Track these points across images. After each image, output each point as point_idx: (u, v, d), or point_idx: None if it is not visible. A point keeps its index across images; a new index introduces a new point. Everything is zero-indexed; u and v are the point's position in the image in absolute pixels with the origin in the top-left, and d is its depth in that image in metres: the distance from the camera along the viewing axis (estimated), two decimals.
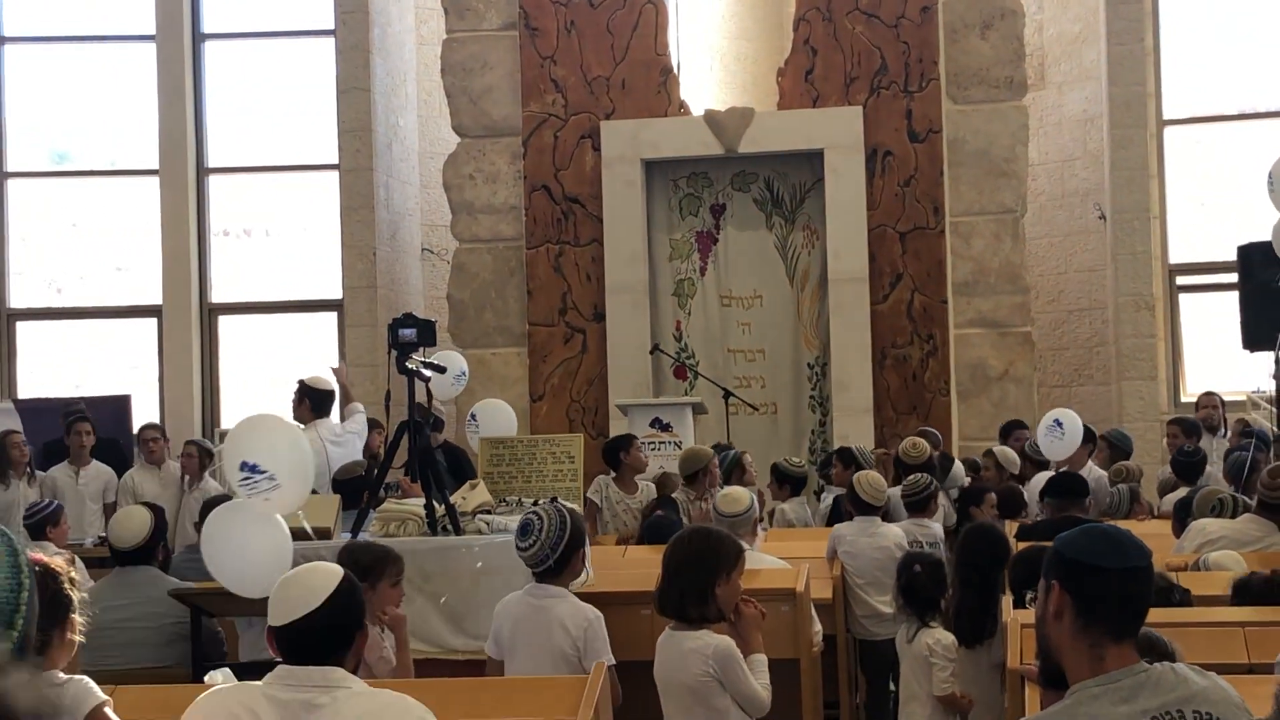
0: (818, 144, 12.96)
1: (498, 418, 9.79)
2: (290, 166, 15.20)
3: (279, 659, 3.92)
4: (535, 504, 5.88)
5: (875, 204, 12.90)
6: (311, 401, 9.65)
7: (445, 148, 13.99)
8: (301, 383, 9.79)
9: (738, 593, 5.26)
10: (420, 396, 6.98)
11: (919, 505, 8.38)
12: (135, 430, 12.15)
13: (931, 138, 12.94)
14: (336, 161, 14.31)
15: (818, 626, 6.92)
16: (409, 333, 6.81)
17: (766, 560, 7.08)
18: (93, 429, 11.32)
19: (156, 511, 6.93)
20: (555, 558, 5.59)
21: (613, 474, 9.51)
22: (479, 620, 6.32)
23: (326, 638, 3.86)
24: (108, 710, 3.84)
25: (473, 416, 9.87)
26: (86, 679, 3.92)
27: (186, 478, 11.11)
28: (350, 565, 4.43)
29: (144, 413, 13.39)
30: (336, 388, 9.95)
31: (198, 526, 8.42)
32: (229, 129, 15.15)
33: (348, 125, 14.16)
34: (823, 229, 13.04)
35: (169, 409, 14.16)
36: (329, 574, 3.98)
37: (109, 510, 10.97)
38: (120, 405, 13.38)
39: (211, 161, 14.84)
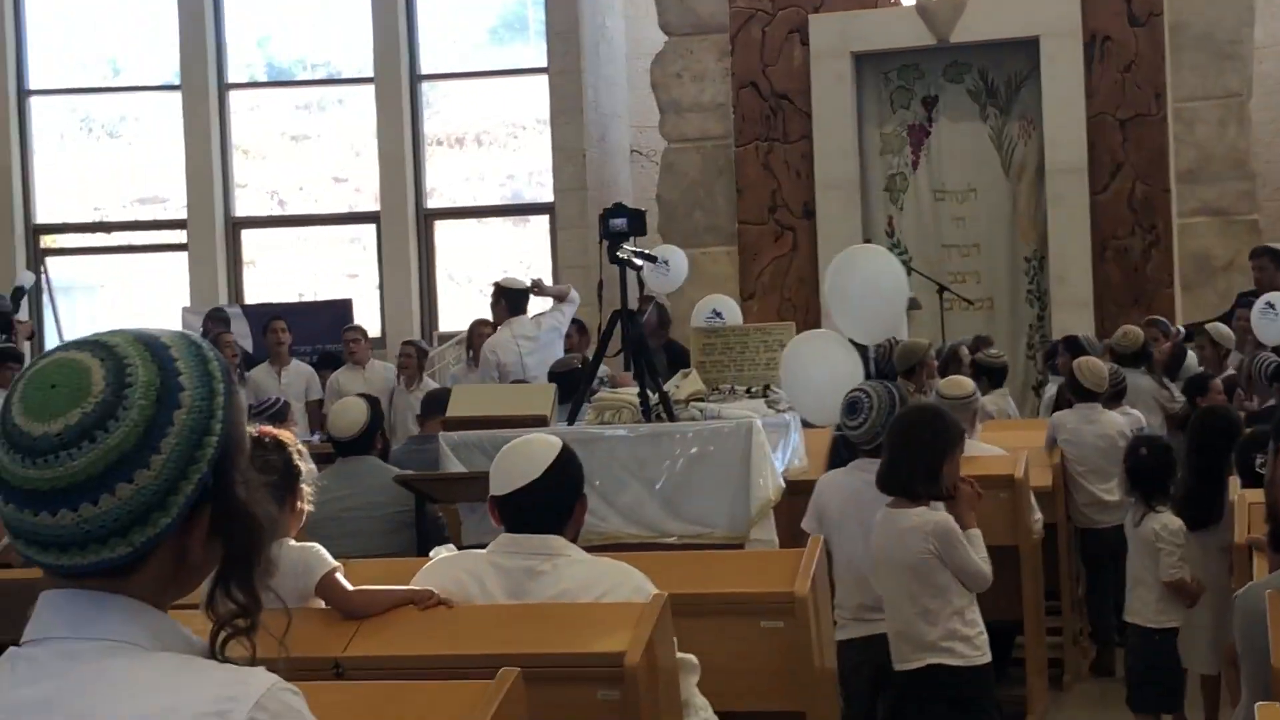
0: (1033, 31, 12.62)
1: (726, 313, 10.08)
2: (500, 71, 15.34)
3: (500, 529, 4.00)
4: (861, 388, 5.89)
5: (1094, 92, 12.54)
6: (507, 301, 10.38)
7: (652, 47, 13.95)
8: (496, 284, 10.63)
9: (958, 472, 5.22)
10: (632, 286, 7.01)
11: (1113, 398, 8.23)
12: None
13: (1152, 21, 12.51)
14: (545, 65, 14.38)
15: (1038, 515, 6.83)
16: (619, 222, 6.82)
17: (984, 449, 7.00)
18: (288, 328, 11.68)
19: (372, 402, 7.09)
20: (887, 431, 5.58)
21: None
22: (691, 505, 6.38)
23: (547, 507, 3.93)
24: (339, 576, 3.95)
25: (717, 313, 10.01)
26: (318, 546, 4.03)
27: (403, 377, 11.35)
28: None
29: (364, 317, 13.68)
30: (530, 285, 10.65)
31: (419, 420, 8.64)
32: (440, 36, 15.31)
33: (556, 28, 14.21)
34: (1039, 119, 12.73)
35: (388, 313, 14.47)
36: (549, 445, 4.04)
37: (311, 409, 11.31)
38: (342, 309, 13.72)
39: (425, 68, 15.02)
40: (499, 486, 3.95)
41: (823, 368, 7.04)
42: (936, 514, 5.09)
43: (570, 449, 4.06)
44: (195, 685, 1.68)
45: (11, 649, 1.75)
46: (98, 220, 15.31)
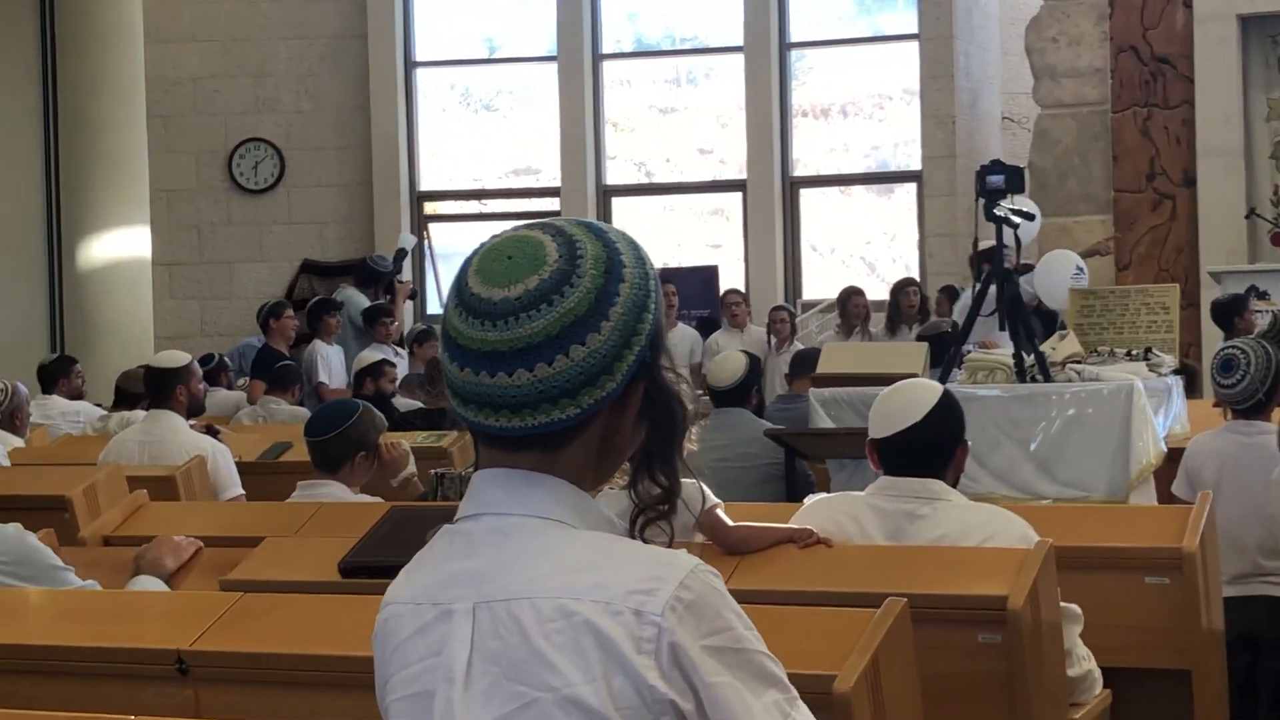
0: None
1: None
2: (870, 39, 15.28)
3: (879, 473, 4.00)
4: (1236, 345, 5.68)
5: None
6: None
7: (1027, 12, 13.66)
8: None
9: None
10: (1009, 243, 6.90)
11: None
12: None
13: None
14: (916, 31, 14.24)
15: None
16: (997, 179, 6.72)
17: None
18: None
19: (752, 358, 7.18)
20: (1265, 390, 5.43)
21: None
22: (1067, 467, 6.26)
23: (927, 450, 3.92)
24: (719, 512, 4.02)
25: (1080, 269, 9.74)
26: (697, 481, 4.10)
27: (773, 339, 11.44)
28: None
29: (730, 282, 13.83)
30: None
31: (788, 378, 8.72)
32: (809, 3, 15.31)
33: None
34: None
35: (752, 280, 14.58)
36: (930, 389, 4.02)
37: (693, 371, 11.50)
38: (709, 275, 13.91)
39: (794, 37, 15.05)
40: (879, 429, 3.95)
41: None
42: None
43: (952, 394, 4.04)
44: (623, 563, 1.75)
45: (446, 526, 1.85)
46: (476, 188, 15.86)
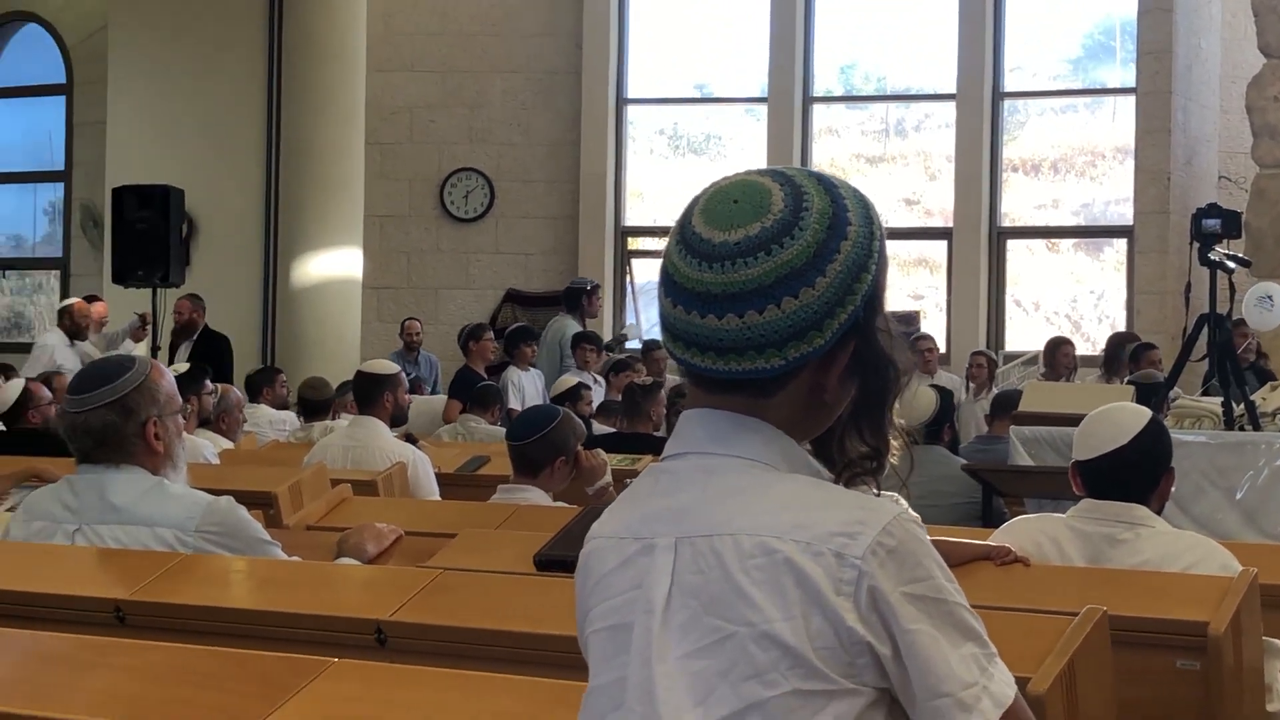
0: None
1: None
2: (1085, 91, 15.09)
3: (1081, 495, 3.95)
4: None
5: None
6: None
7: (1248, 70, 13.37)
8: None
9: None
10: (1221, 290, 6.77)
11: None
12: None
13: None
14: (1134, 85, 14.03)
15: None
16: (1213, 223, 6.61)
17: None
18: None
19: (942, 393, 7.11)
20: None
21: None
22: (1273, 517, 6.11)
23: (1132, 474, 3.85)
24: None
25: (1268, 297, 9.46)
26: (894, 494, 4.08)
27: (971, 385, 11.32)
28: None
29: (932, 332, 13.72)
30: None
31: (988, 419, 8.61)
32: (1025, 55, 15.18)
33: (1148, 48, 13.81)
34: None
35: (955, 329, 14.44)
36: (1138, 413, 3.96)
37: None
38: (911, 320, 13.84)
39: (1008, 86, 14.93)
40: (1084, 451, 3.90)
41: None
42: None
43: (1160, 420, 3.97)
44: (827, 506, 1.76)
45: (652, 464, 1.88)
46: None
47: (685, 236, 1.79)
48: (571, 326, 12.64)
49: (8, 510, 6.12)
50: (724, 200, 1.79)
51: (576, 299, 13.04)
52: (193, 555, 3.70)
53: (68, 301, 12.72)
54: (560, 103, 15.16)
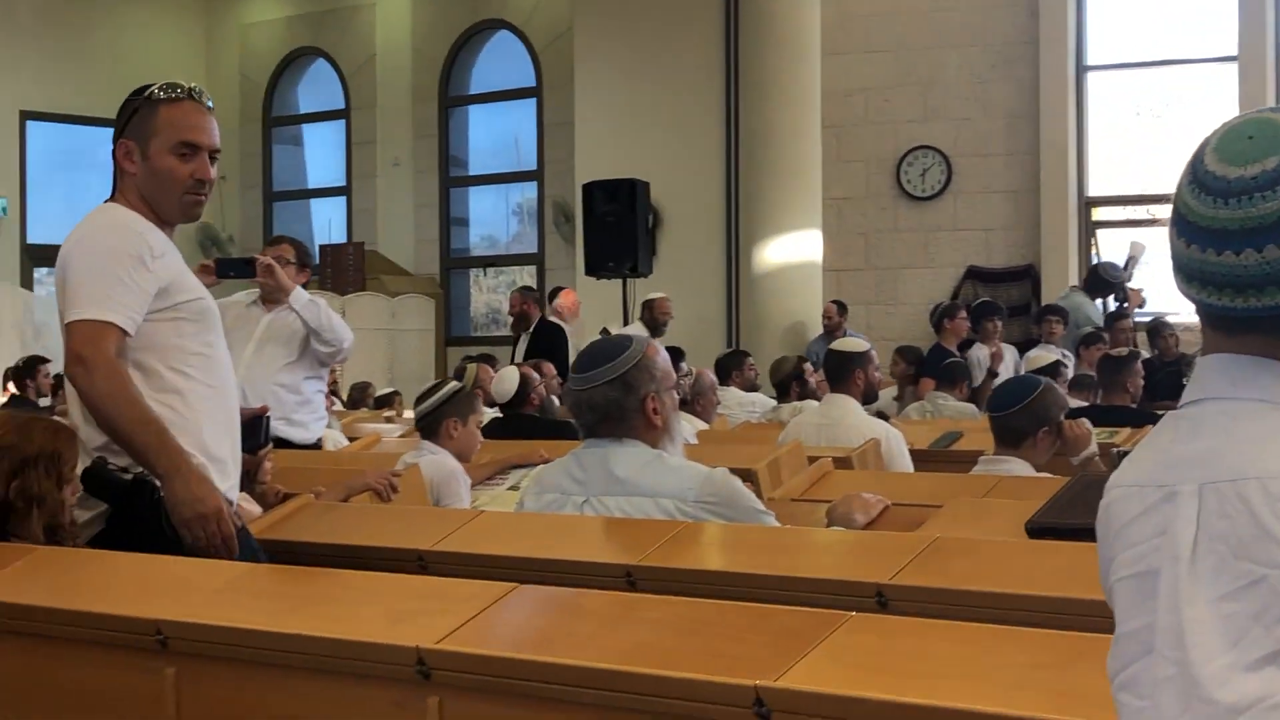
0: None
1: None
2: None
3: None
4: None
5: None
6: None
7: None
8: None
9: None
10: None
11: None
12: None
13: None
14: None
15: None
16: None
17: None
18: None
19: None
20: None
21: None
22: None
23: None
24: None
25: None
26: None
27: None
28: None
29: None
30: None
31: None
32: None
33: None
34: None
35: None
36: None
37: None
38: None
39: None
40: None
41: None
42: None
43: None
44: None
45: (1172, 412, 1.90)
46: (1144, 194, 15.49)
47: (1198, 175, 1.80)
48: (1085, 306, 12.78)
49: (509, 489, 6.53)
50: (1238, 137, 1.79)
51: (1103, 286, 13.06)
52: (694, 523, 3.88)
53: (651, 296, 12.79)
54: (1018, 74, 14.94)
